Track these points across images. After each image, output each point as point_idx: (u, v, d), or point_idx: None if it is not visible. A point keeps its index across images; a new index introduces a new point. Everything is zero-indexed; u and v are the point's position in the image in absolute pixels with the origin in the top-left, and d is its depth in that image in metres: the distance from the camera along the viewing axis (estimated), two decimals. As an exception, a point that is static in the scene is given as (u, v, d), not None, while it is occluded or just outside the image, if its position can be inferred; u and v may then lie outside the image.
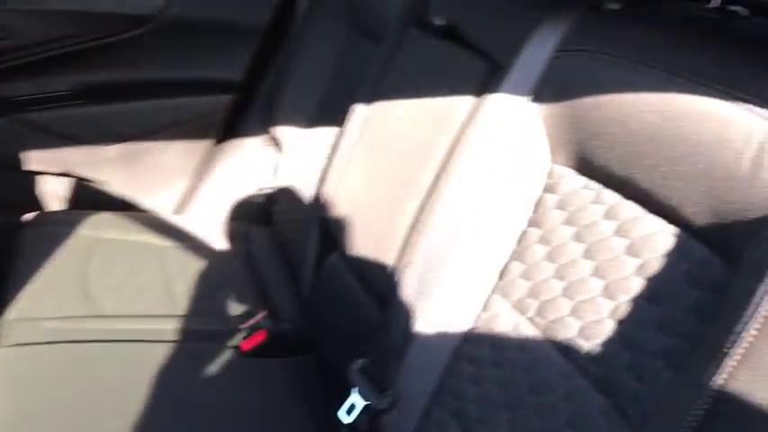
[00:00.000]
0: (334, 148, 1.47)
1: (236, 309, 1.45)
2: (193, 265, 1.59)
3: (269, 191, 1.82)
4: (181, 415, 1.12)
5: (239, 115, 1.83)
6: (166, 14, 1.68)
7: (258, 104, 1.82)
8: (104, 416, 1.08)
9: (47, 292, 1.36)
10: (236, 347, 1.32)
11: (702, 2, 0.82)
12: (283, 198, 1.68)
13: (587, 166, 0.83)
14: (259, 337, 1.31)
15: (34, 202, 1.76)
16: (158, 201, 1.83)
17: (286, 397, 1.22)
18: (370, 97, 1.26)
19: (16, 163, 1.68)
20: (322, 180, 1.48)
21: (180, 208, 1.84)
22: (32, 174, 1.72)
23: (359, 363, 1.03)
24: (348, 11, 1.54)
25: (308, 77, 1.65)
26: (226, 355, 1.30)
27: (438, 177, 1.01)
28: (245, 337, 1.32)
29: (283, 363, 1.31)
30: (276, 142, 1.77)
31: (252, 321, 1.36)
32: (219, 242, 1.71)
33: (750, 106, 0.64)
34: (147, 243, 1.62)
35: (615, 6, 0.86)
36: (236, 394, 1.20)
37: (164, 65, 1.74)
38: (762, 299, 0.57)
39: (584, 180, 0.84)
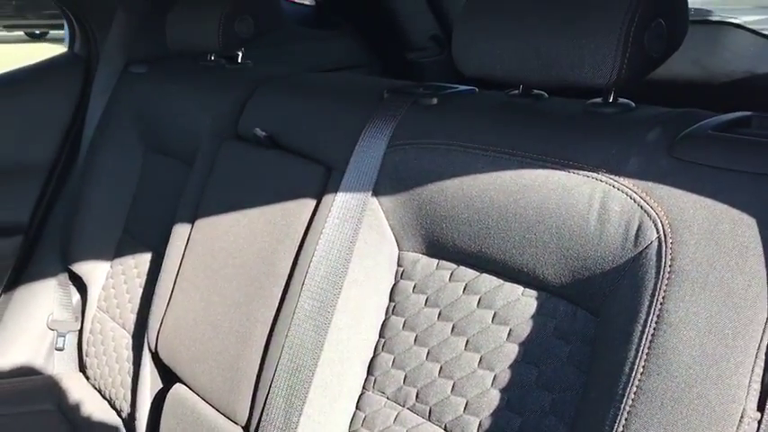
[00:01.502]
0: (152, 274, 1.39)
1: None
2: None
3: (76, 334, 1.66)
4: None
5: (30, 257, 1.67)
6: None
7: (50, 243, 1.68)
8: None
9: None
10: None
11: (507, 89, 0.92)
12: (95, 339, 1.54)
13: (438, 249, 0.88)
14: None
15: None
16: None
17: None
18: (190, 217, 1.22)
19: None
20: (143, 310, 1.39)
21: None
22: None
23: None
24: (142, 133, 1.50)
25: (105, 207, 1.56)
26: None
27: (287, 286, 0.99)
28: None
29: None
30: (78, 279, 1.64)
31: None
32: (27, 401, 1.52)
33: (585, 172, 0.72)
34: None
35: (433, 102, 0.94)
36: None
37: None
38: (640, 341, 0.63)
39: (436, 261, 0.89)
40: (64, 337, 1.65)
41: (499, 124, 0.85)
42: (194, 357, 1.12)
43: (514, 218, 0.77)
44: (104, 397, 1.49)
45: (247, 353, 1.02)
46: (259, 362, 1.00)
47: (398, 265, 0.92)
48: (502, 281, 0.81)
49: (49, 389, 1.57)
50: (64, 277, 1.66)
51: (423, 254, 0.90)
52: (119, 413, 1.42)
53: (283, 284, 1.00)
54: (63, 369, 1.66)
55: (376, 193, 0.92)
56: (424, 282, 0.89)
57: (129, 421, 1.35)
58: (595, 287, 0.71)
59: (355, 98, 1.06)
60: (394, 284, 0.92)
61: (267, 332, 1.00)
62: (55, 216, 1.67)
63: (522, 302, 0.78)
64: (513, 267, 0.79)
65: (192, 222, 1.21)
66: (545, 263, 0.75)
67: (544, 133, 0.79)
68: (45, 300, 1.66)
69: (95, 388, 1.54)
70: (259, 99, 1.19)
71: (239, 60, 1.41)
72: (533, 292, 0.78)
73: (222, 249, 1.11)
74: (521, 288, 0.79)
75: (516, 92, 0.91)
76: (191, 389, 1.13)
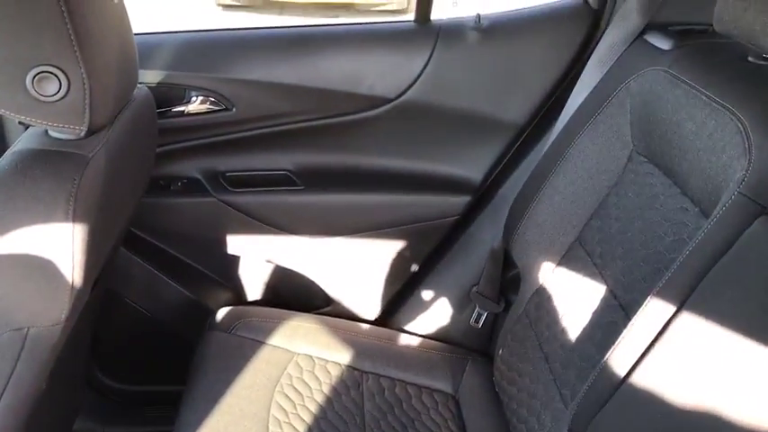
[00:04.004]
0: (597, 322, 1.11)
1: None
2: (394, 409, 1.31)
3: (492, 319, 1.49)
4: None
5: (472, 220, 1.52)
6: (407, 98, 1.41)
7: (496, 211, 1.50)
8: None
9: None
10: None
11: None
12: (511, 342, 1.34)
13: None
14: None
15: (232, 287, 1.57)
16: (365, 305, 1.57)
17: None
18: (682, 288, 0.85)
19: (219, 244, 1.50)
20: (572, 357, 1.12)
21: (388, 318, 1.57)
22: (234, 257, 1.54)
23: None
24: (636, 128, 1.17)
25: (567, 201, 1.30)
26: None
27: None
28: None
29: None
30: (511, 263, 1.44)
31: None
32: (427, 372, 1.42)
33: None
34: (345, 368, 1.36)
35: None
36: None
37: (395, 154, 1.48)
38: None
39: None
40: (483, 314, 1.50)
41: None
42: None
43: None
44: (507, 407, 1.31)
45: None
46: None
47: None
48: None
49: (451, 364, 1.45)
50: (499, 253, 1.48)
51: None
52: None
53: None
54: (472, 347, 1.53)
55: None
56: None
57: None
58: None
59: None
60: None
61: None
62: (509, 185, 1.47)
63: None
64: None
65: (684, 299, 0.85)
66: None
67: None
68: (473, 269, 1.52)
69: (499, 386, 1.36)
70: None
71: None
72: None
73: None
74: None
75: None
76: None
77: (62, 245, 0.84)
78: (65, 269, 0.85)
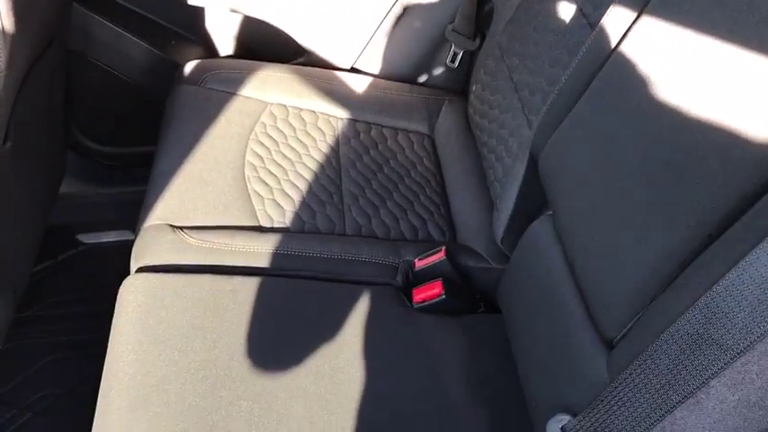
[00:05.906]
0: (563, 42, 1.06)
1: (412, 228, 1.19)
2: (369, 151, 1.32)
3: (468, 58, 1.45)
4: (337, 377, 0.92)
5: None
6: None
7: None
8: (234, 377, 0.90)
9: (196, 187, 1.16)
10: (403, 291, 1.08)
11: None
12: (483, 76, 1.31)
13: None
14: (433, 291, 1.05)
15: (200, 41, 1.52)
16: (339, 52, 1.52)
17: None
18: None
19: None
20: (538, 83, 1.10)
21: (363, 64, 1.52)
22: (198, 9, 1.46)
23: (561, 421, 0.74)
24: None
25: None
26: (389, 300, 1.06)
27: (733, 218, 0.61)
28: (416, 285, 1.07)
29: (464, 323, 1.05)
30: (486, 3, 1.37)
31: (426, 262, 1.09)
32: (403, 115, 1.41)
33: None
34: (319, 115, 1.36)
35: None
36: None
37: None
38: None
39: None
40: (459, 53, 1.45)
41: None
42: (575, 211, 0.84)
43: None
44: (479, 140, 1.32)
45: (646, 254, 0.71)
46: (662, 277, 0.69)
47: None
48: None
49: (427, 106, 1.44)
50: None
51: None
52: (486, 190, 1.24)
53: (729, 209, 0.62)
54: (449, 88, 1.50)
55: None
56: None
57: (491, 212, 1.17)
58: None
59: None
60: None
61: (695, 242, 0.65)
62: None
63: None
64: None
65: (645, 3, 0.80)
66: None
67: None
68: (449, 5, 1.44)
69: (472, 121, 1.36)
70: None
71: None
72: None
73: (647, 103, 0.73)
74: None
75: None
76: (557, 242, 0.87)
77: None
78: (-10, 12, 0.81)
